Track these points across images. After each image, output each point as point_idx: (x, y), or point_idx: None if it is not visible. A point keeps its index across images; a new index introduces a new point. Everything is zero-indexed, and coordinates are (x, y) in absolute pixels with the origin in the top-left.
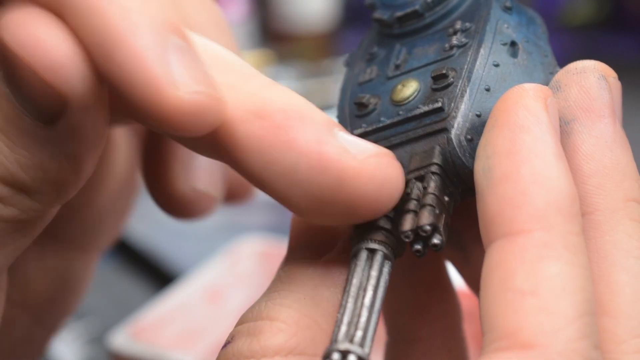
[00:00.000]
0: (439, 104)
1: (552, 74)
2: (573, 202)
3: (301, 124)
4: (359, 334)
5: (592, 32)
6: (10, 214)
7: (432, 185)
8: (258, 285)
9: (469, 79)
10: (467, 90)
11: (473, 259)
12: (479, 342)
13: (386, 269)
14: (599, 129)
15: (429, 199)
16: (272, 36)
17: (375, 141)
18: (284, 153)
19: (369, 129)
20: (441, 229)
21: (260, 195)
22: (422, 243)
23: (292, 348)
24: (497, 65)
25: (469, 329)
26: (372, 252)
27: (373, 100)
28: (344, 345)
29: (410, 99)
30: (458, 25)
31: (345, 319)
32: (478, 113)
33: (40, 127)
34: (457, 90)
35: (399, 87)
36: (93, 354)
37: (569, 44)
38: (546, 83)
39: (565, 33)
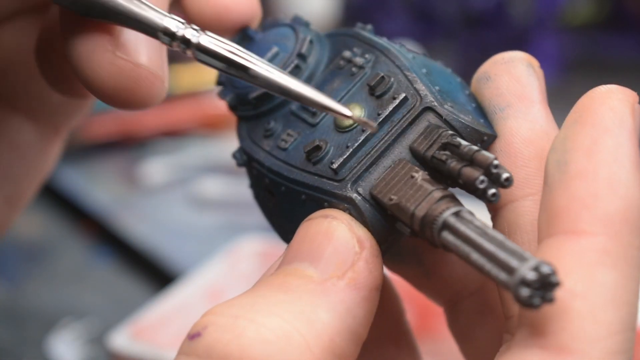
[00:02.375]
0: (403, 95)
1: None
2: None
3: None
4: (522, 251)
5: (592, 32)
6: None
7: (461, 141)
8: None
9: (407, 69)
10: (414, 75)
11: (432, 272)
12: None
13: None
14: (533, 114)
15: (472, 149)
16: None
17: (364, 156)
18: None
19: (352, 149)
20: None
21: None
22: (494, 185)
23: None
24: (415, 58)
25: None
26: (456, 214)
27: (321, 143)
28: (529, 264)
29: (350, 127)
30: (347, 54)
31: (501, 255)
32: (437, 88)
33: None
34: (405, 80)
35: None
36: (93, 354)
37: (569, 44)
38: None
39: (565, 33)
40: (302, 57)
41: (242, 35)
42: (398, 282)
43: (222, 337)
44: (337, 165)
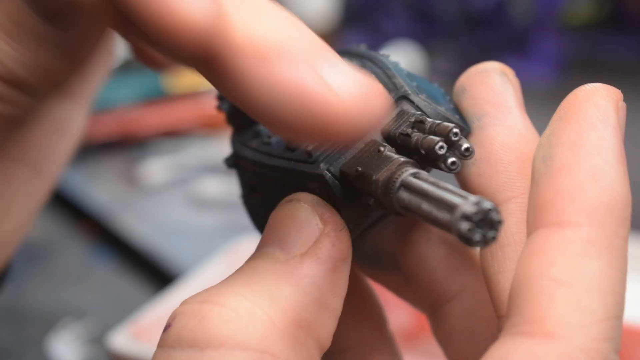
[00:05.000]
0: (380, 85)
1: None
2: (626, 206)
3: (286, 58)
4: (468, 193)
5: (592, 32)
6: (5, 110)
7: (427, 118)
8: None
9: (388, 68)
10: (394, 73)
11: (411, 277)
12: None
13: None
14: (510, 120)
15: (435, 122)
16: None
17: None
18: (267, 87)
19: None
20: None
21: None
22: (453, 153)
23: (240, 342)
24: (399, 65)
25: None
26: (414, 175)
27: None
28: (470, 200)
29: None
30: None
31: (447, 197)
32: (415, 84)
33: (46, 26)
34: (385, 76)
35: None
36: (93, 354)
37: (569, 44)
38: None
39: (565, 33)
40: None
41: None
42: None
43: (188, 323)
44: (311, 147)
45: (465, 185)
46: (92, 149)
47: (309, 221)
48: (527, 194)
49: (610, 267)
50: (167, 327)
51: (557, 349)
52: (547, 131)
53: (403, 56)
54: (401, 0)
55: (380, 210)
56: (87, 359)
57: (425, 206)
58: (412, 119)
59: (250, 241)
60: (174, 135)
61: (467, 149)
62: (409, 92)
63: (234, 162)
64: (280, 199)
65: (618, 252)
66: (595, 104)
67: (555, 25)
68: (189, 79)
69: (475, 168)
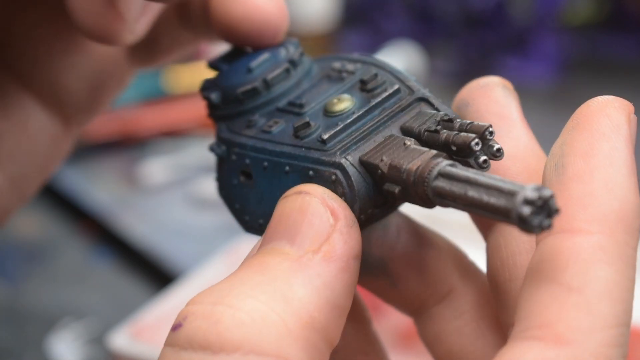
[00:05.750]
0: (396, 86)
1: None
2: (637, 216)
3: None
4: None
5: (592, 32)
6: None
7: (454, 118)
8: None
9: (398, 73)
10: (405, 76)
11: (399, 282)
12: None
13: None
14: (515, 132)
15: (466, 122)
16: None
17: (355, 133)
18: None
19: (343, 125)
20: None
21: None
22: (485, 152)
23: (254, 346)
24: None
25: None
26: (452, 165)
27: (311, 122)
28: (530, 186)
29: (347, 109)
30: (337, 64)
31: (500, 184)
32: (425, 89)
33: None
34: (397, 80)
35: (335, 101)
36: (93, 354)
37: (569, 44)
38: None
39: (565, 33)
40: (292, 62)
41: (234, 51)
42: None
43: (201, 325)
44: (327, 136)
45: None
46: (92, 149)
47: (319, 215)
48: None
49: (621, 275)
50: (176, 326)
51: (568, 353)
52: (559, 140)
53: (403, 56)
54: (401, 0)
55: (400, 202)
56: (87, 359)
57: (473, 193)
58: (438, 118)
59: (250, 241)
60: (174, 135)
61: (498, 150)
62: (429, 94)
63: (223, 151)
64: (282, 185)
65: (628, 260)
66: (608, 116)
67: (555, 25)
68: (189, 79)
69: None
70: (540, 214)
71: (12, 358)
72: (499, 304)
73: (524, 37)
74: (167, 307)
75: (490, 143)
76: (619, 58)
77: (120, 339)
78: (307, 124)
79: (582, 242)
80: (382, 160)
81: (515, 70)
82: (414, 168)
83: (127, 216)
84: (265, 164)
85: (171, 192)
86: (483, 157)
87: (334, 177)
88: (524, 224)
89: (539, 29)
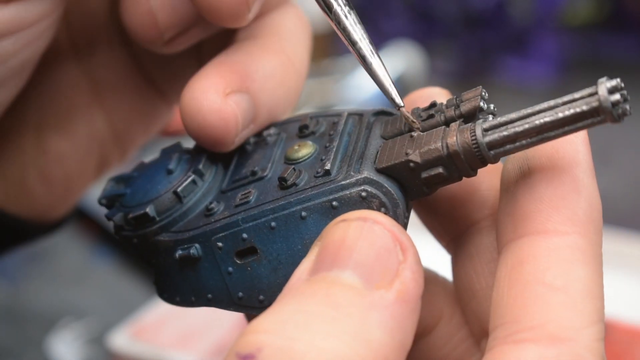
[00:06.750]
0: (346, 114)
1: None
2: (601, 215)
3: None
4: None
5: (592, 32)
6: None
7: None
8: None
9: (320, 112)
10: (331, 110)
11: (437, 212)
12: None
13: None
14: None
15: (453, 98)
16: None
17: (349, 156)
18: None
19: (332, 153)
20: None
21: None
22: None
23: None
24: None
25: None
26: (484, 120)
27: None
28: (603, 80)
29: (311, 152)
30: (252, 139)
31: (565, 99)
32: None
33: None
34: (333, 114)
35: (295, 147)
36: (93, 354)
37: (569, 44)
38: None
39: (565, 33)
40: (199, 172)
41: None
42: None
43: None
44: (329, 165)
45: (439, 207)
46: None
47: (389, 248)
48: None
49: (597, 274)
50: (247, 356)
51: (566, 351)
52: None
53: (403, 56)
54: (401, 1)
55: (438, 187)
56: (87, 359)
57: (539, 121)
58: (419, 112)
59: None
60: (173, 135)
61: (494, 108)
62: (379, 107)
63: (197, 248)
64: (300, 237)
65: (599, 259)
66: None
67: (555, 25)
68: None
69: (448, 191)
70: (620, 101)
71: (12, 358)
72: (471, 313)
73: (523, 37)
74: (167, 307)
75: (487, 102)
76: (619, 58)
77: (120, 339)
78: (294, 171)
79: (559, 242)
80: (407, 154)
81: (515, 70)
82: (452, 142)
83: None
84: (273, 224)
85: None
86: (487, 111)
87: (364, 193)
88: (617, 111)
89: (539, 29)
